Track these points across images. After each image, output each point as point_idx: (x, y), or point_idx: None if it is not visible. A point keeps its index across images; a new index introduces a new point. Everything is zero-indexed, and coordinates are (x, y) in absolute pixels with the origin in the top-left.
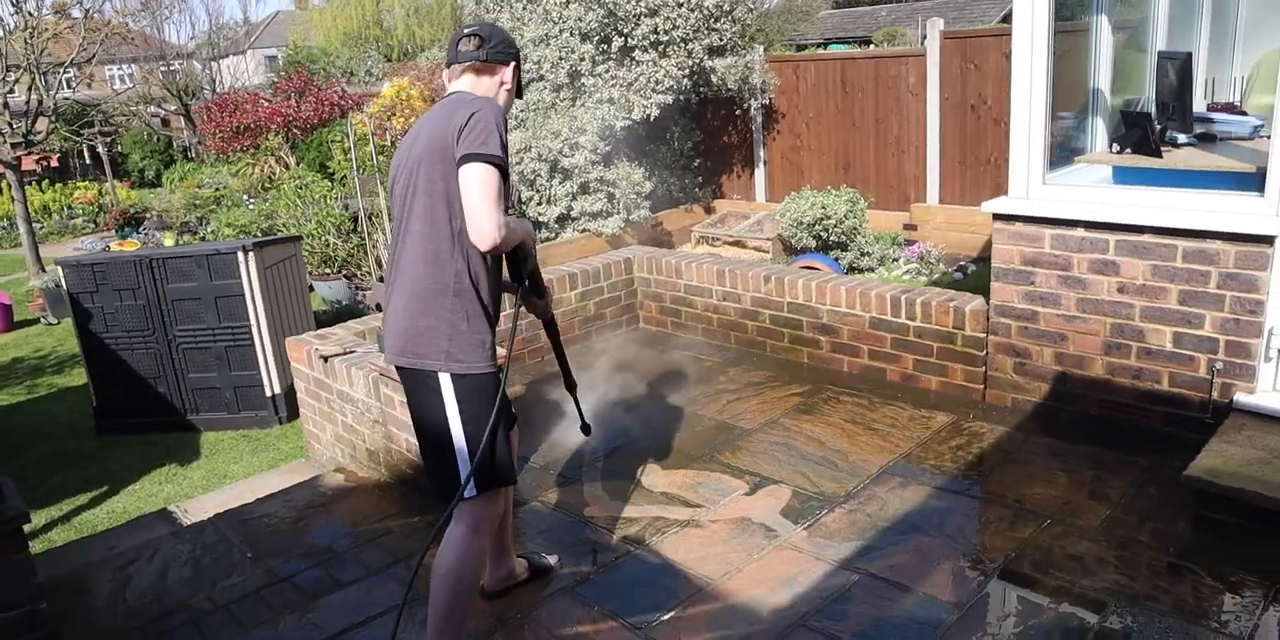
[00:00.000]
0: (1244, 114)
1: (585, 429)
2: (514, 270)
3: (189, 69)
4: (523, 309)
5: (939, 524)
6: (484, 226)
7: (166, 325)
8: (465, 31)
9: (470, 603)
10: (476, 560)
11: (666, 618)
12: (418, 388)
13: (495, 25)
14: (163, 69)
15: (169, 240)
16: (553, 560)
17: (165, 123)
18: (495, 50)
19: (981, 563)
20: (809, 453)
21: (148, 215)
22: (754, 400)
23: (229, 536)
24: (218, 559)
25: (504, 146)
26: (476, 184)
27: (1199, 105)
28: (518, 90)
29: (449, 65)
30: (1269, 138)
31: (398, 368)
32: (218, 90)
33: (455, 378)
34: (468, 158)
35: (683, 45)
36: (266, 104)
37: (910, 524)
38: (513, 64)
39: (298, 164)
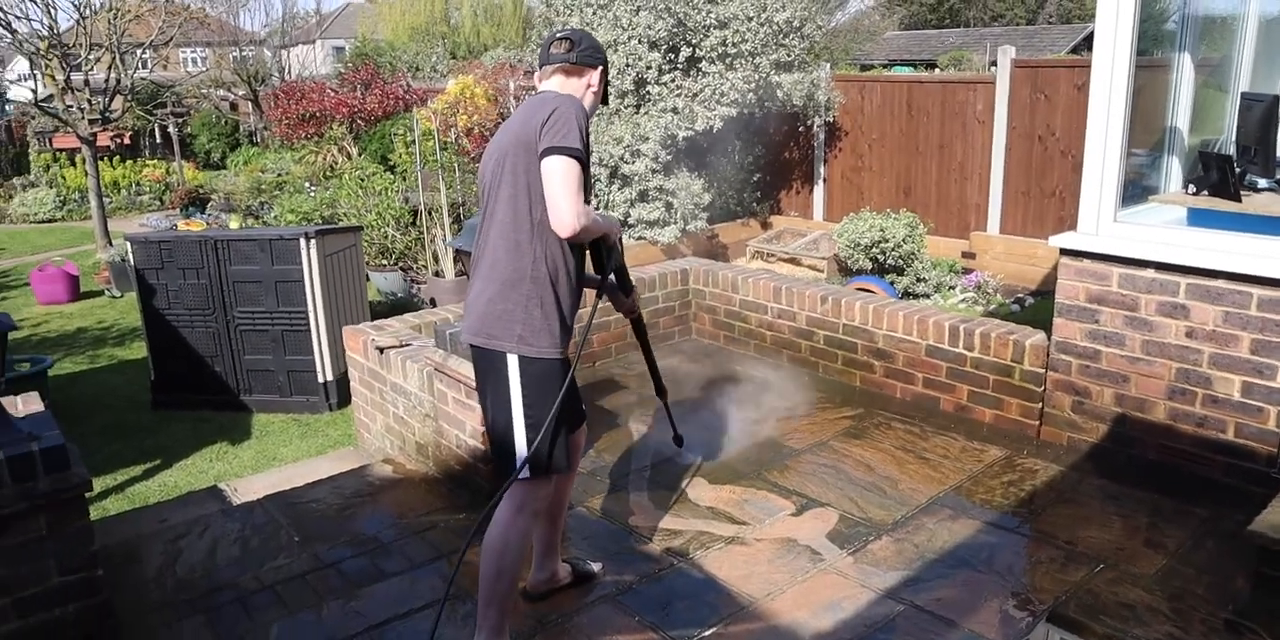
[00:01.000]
0: None
1: (678, 440)
2: (598, 264)
3: (259, 56)
4: (603, 304)
5: (988, 560)
6: (564, 215)
7: (226, 306)
8: (557, 35)
9: (516, 579)
10: (520, 538)
11: (708, 634)
12: (488, 368)
13: (586, 31)
14: (234, 54)
15: (234, 223)
16: (596, 568)
17: (233, 107)
18: (584, 53)
19: (1030, 603)
20: (858, 477)
21: (213, 196)
22: (804, 420)
23: (277, 518)
24: (266, 540)
25: (585, 141)
26: (557, 175)
27: None
28: (604, 96)
29: (540, 66)
30: None
31: (472, 347)
32: (286, 78)
33: (523, 360)
34: (549, 151)
35: (750, 59)
36: (333, 94)
37: (959, 558)
38: (600, 68)
39: (360, 155)
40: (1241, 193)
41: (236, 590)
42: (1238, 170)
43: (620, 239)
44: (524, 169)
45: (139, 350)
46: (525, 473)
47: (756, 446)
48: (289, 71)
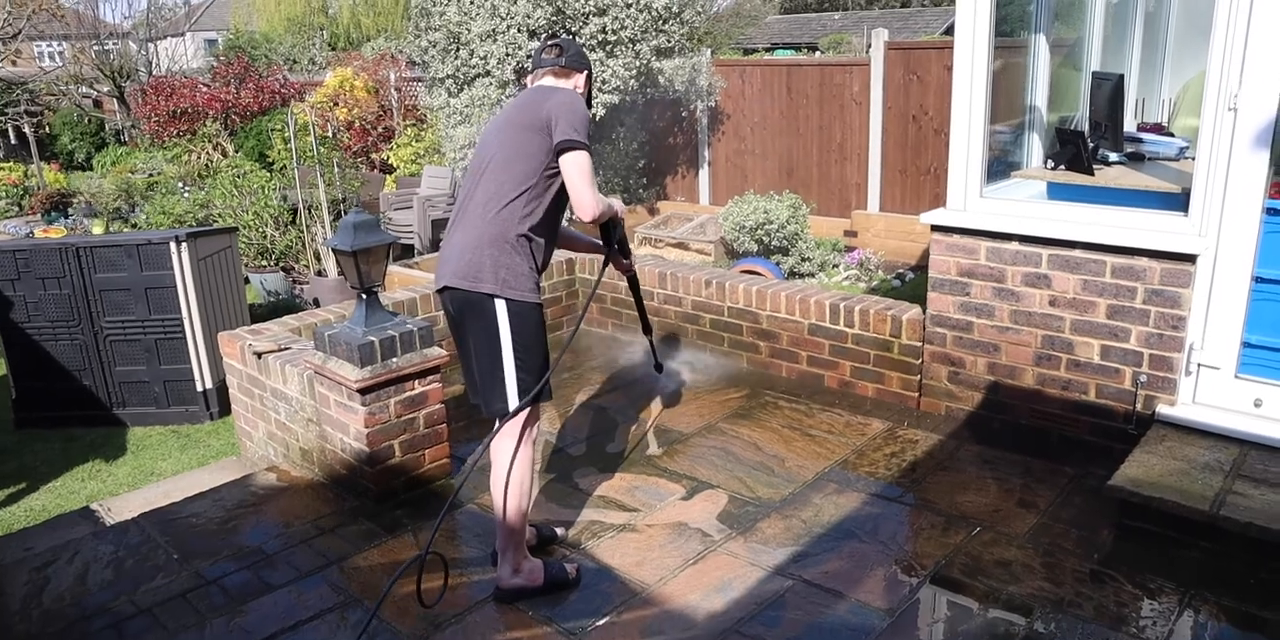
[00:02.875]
0: (1171, 135)
1: (659, 368)
2: (605, 236)
3: (124, 49)
4: (607, 271)
5: (873, 530)
6: (587, 204)
7: (93, 316)
8: (548, 43)
9: (530, 504)
10: (529, 466)
11: (601, 623)
12: (470, 311)
13: (572, 39)
14: (96, 48)
15: (97, 228)
16: (560, 532)
17: (98, 104)
18: (573, 59)
19: (913, 569)
20: (746, 458)
21: (75, 200)
22: (692, 404)
23: (154, 537)
24: (142, 560)
25: (590, 133)
26: (577, 168)
27: (1129, 125)
28: (588, 98)
29: (533, 70)
30: (1193, 160)
31: (450, 291)
32: (154, 73)
33: (509, 303)
34: (567, 145)
35: (630, 45)
36: (205, 89)
37: (845, 530)
38: (586, 72)
39: (236, 152)
40: (1095, 167)
41: (110, 616)
42: (1090, 145)
43: (622, 215)
44: (526, 141)
45: None
46: (515, 402)
47: (645, 432)
48: (157, 66)
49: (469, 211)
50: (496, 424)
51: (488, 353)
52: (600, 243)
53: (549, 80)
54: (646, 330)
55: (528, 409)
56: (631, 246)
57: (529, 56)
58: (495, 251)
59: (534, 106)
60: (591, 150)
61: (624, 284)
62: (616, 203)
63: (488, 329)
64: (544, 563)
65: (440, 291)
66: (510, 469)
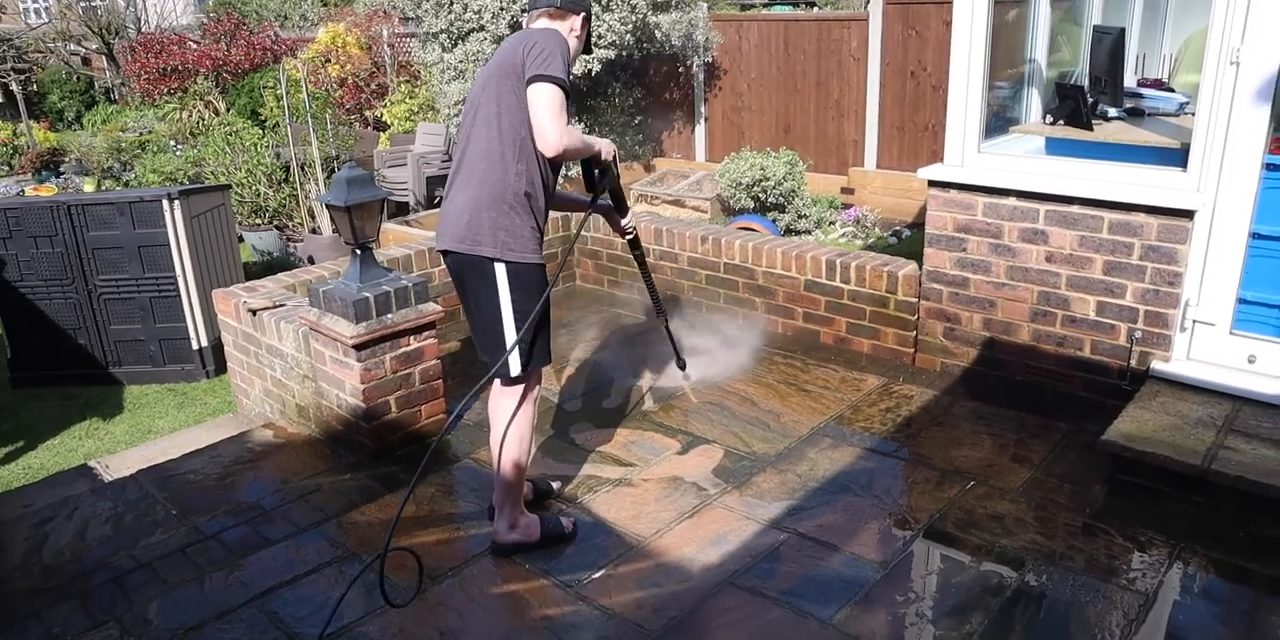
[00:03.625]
0: (1171, 91)
1: (681, 364)
2: (589, 182)
3: (111, 5)
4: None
5: (867, 485)
6: (549, 135)
7: (87, 275)
8: None
9: (528, 461)
10: (529, 425)
11: (598, 576)
12: (470, 274)
13: None
14: (83, 4)
15: (89, 186)
16: (555, 485)
17: (86, 62)
18: (568, 0)
19: (907, 523)
20: (742, 413)
21: (66, 159)
22: (689, 359)
23: (152, 493)
24: (140, 516)
25: (567, 69)
26: (543, 100)
27: (1129, 80)
28: (586, 45)
29: (527, 11)
30: (1193, 115)
31: (451, 254)
32: (143, 30)
33: (509, 266)
34: (535, 78)
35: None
36: (195, 46)
37: (839, 484)
38: (583, 14)
39: (228, 110)
40: (1094, 122)
41: (111, 571)
42: (1090, 100)
43: (615, 159)
44: (509, 90)
45: None
46: (518, 369)
47: (641, 388)
48: (146, 23)
49: (465, 168)
50: (487, 381)
51: (489, 314)
52: (599, 203)
53: (542, 22)
54: (660, 313)
55: (530, 371)
56: (629, 204)
57: (523, 10)
58: (494, 213)
59: (513, 51)
60: (566, 86)
61: (620, 242)
62: (602, 143)
63: (488, 291)
64: (540, 517)
65: (442, 253)
66: (509, 425)
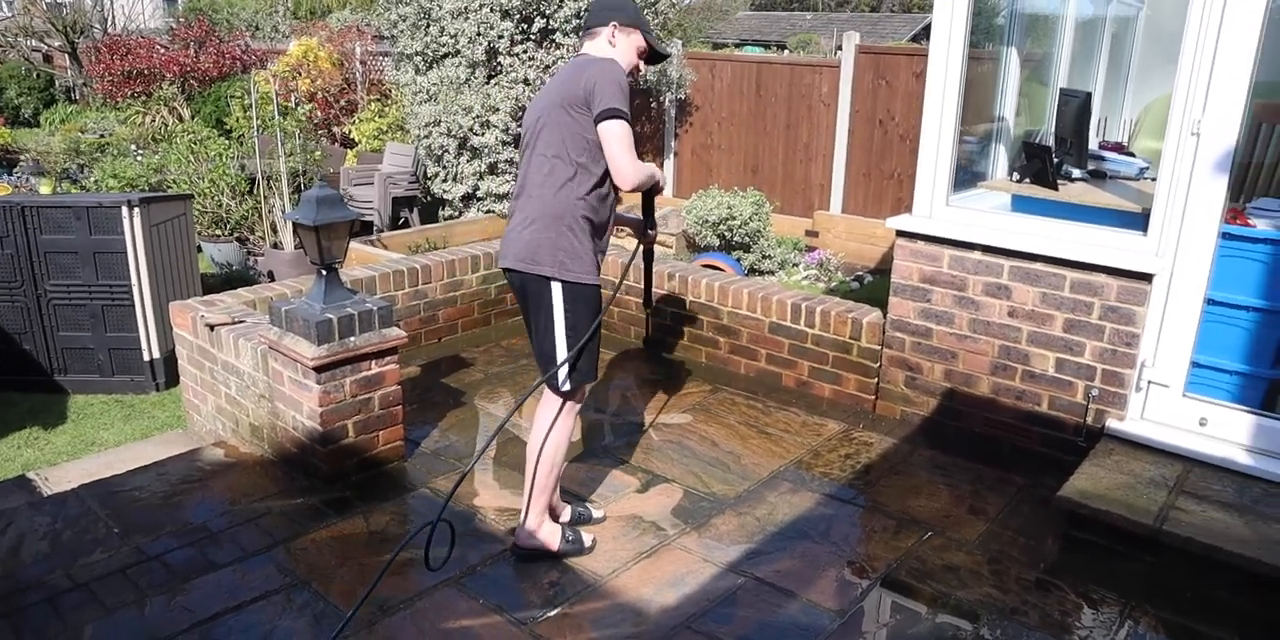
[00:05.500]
0: (1132, 155)
1: (648, 303)
2: (646, 206)
3: (78, 4)
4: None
5: (825, 531)
6: (627, 173)
7: (37, 278)
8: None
9: (562, 471)
10: (566, 437)
11: (553, 614)
12: (529, 292)
13: None
14: (48, 1)
15: (45, 188)
16: (598, 514)
17: (48, 59)
18: (592, 16)
19: (864, 571)
20: (702, 453)
21: (22, 158)
22: (650, 397)
23: (94, 509)
24: (80, 533)
25: (627, 101)
26: (616, 138)
27: (1091, 143)
28: (648, 52)
29: (587, 28)
30: (1153, 181)
31: (513, 273)
32: (109, 30)
33: (565, 285)
34: (605, 115)
35: None
36: (163, 50)
37: (798, 530)
38: (612, 23)
39: (193, 117)
40: (1059, 182)
41: (45, 590)
42: (1055, 160)
43: (663, 184)
44: (571, 119)
45: None
46: (567, 384)
47: (601, 424)
48: (113, 23)
49: (526, 192)
50: (530, 394)
51: (545, 331)
52: (630, 217)
53: (586, 45)
54: (647, 304)
55: (577, 387)
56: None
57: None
58: (554, 234)
59: (572, 82)
60: (629, 119)
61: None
62: (658, 172)
63: (545, 309)
64: (563, 528)
65: (504, 270)
66: (547, 435)
